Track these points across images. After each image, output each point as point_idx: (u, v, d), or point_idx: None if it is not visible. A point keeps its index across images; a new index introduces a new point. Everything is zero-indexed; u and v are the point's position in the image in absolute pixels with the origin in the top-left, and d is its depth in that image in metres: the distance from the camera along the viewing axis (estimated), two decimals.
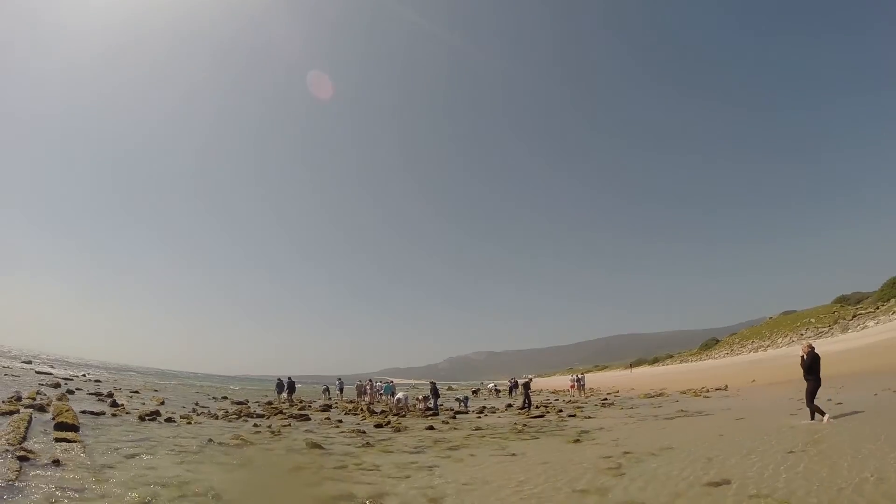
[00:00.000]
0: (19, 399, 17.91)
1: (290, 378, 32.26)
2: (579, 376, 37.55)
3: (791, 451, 8.65)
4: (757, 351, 41.05)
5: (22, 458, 8.84)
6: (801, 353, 10.72)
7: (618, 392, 31.20)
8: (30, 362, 47.72)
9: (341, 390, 38.76)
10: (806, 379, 10.58)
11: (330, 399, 37.19)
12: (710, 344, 67.31)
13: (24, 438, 10.68)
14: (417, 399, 30.09)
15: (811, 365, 10.45)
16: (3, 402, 16.46)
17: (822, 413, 10.30)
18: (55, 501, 6.86)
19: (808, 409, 10.60)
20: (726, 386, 16.81)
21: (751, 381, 18.30)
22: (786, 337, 41.90)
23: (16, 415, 13.72)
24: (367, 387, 37.16)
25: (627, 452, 10.60)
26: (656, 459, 9.62)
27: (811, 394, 10.47)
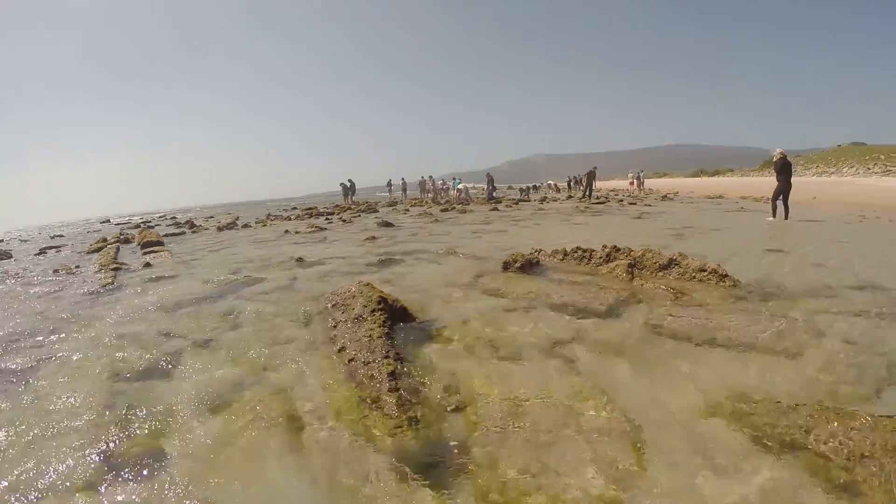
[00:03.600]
0: (104, 240, 19.38)
1: (350, 180, 33.07)
2: (640, 174, 36.46)
3: (812, 238, 9.36)
4: (821, 176, 37.90)
5: (115, 269, 9.66)
6: (775, 157, 12.61)
7: (677, 192, 30.17)
8: (107, 221, 51.17)
9: (404, 190, 39.53)
10: (777, 180, 12.54)
11: (394, 196, 38.24)
12: (772, 163, 62.74)
13: (115, 259, 11.55)
14: (479, 187, 30.46)
15: (781, 168, 12.39)
16: (90, 245, 17.84)
17: (774, 215, 12.43)
18: (151, 286, 7.41)
19: (771, 205, 12.67)
20: (815, 197, 16.04)
21: (812, 198, 17.37)
22: (852, 167, 38.34)
23: (103, 249, 14.89)
24: (430, 184, 37.60)
25: (689, 227, 11.82)
26: (717, 233, 10.69)
27: (777, 194, 12.39)
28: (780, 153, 12.61)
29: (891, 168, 33.97)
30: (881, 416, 2.65)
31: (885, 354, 3.59)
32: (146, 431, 3.06)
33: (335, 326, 4.57)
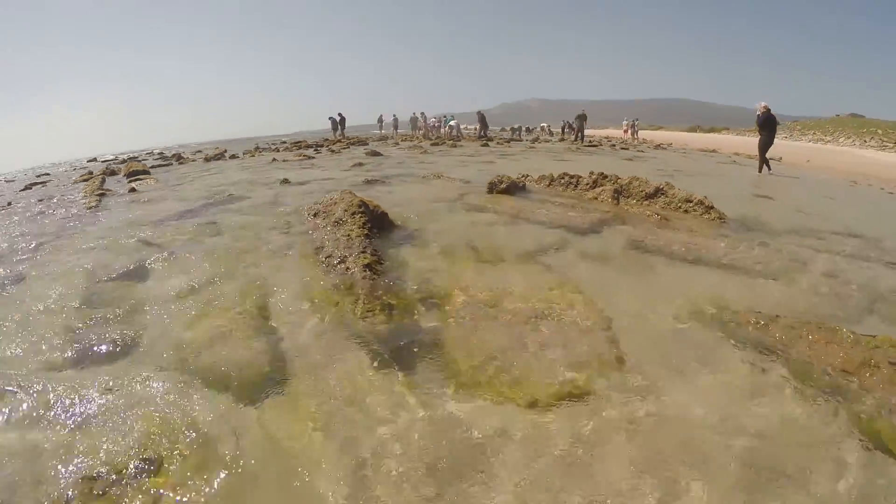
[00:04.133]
0: (90, 173, 19.06)
1: (340, 114, 32.33)
2: (634, 122, 35.68)
3: (801, 191, 9.17)
4: (816, 143, 37.28)
5: (101, 195, 9.54)
6: (759, 111, 12.40)
7: (671, 143, 29.77)
8: (94, 160, 49.90)
9: (396, 127, 38.80)
10: (759, 133, 12.57)
11: (385, 133, 37.60)
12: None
13: (101, 187, 11.37)
14: (470, 128, 29.87)
15: (764, 122, 12.31)
16: (76, 178, 17.55)
17: (769, 167, 12.56)
18: (136, 206, 7.38)
19: (759, 160, 12.74)
20: (780, 158, 15.78)
21: (806, 161, 17.13)
22: (849, 139, 37.63)
23: (89, 180, 14.67)
24: (422, 121, 36.86)
25: (679, 171, 12.02)
26: (706, 178, 10.90)
27: (762, 147, 12.45)
28: (764, 107, 12.44)
29: (887, 143, 33.73)
30: (862, 335, 2.67)
31: (867, 288, 3.61)
32: (119, 317, 3.12)
33: (315, 230, 4.60)
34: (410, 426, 2.05)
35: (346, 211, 4.54)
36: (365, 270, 3.39)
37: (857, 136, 36.57)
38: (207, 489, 1.75)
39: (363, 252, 3.68)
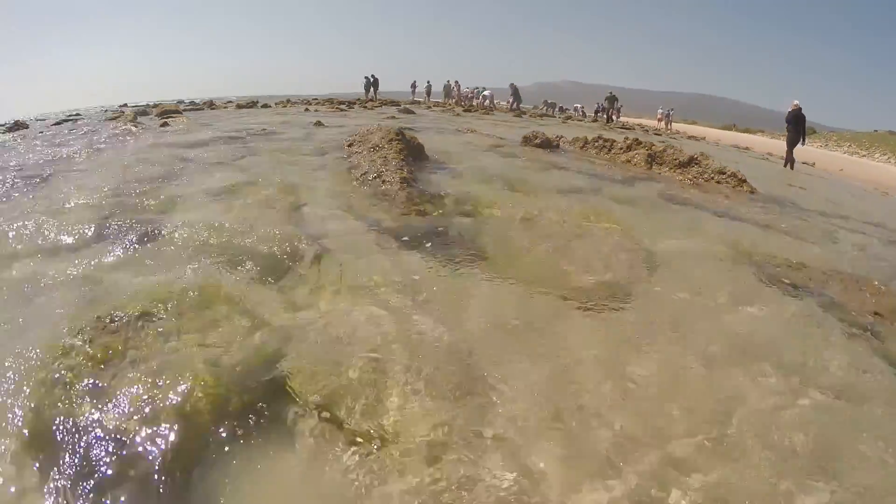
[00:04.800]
0: (122, 112, 19.24)
1: (373, 75, 32.09)
2: (669, 111, 34.68)
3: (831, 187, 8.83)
4: (851, 155, 35.86)
5: (135, 125, 9.67)
6: (791, 108, 12.53)
7: (704, 137, 29.03)
8: (125, 105, 50.17)
9: (429, 93, 38.41)
10: (787, 130, 12.70)
11: (417, 99, 37.28)
12: (807, 132, 58.88)
13: (134, 121, 11.50)
14: (503, 104, 29.37)
15: (793, 119, 12.35)
16: (107, 118, 17.75)
17: (792, 165, 12.40)
18: (170, 134, 7.47)
19: (786, 154, 12.76)
20: (814, 164, 15.31)
21: (839, 170, 16.60)
22: (884, 155, 36.20)
23: (121, 116, 14.87)
24: (455, 89, 36.42)
25: (710, 156, 11.44)
26: (739, 166, 10.67)
27: (790, 142, 12.51)
28: (795, 104, 12.55)
29: None
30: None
31: (891, 262, 3.51)
32: (151, 206, 3.15)
33: (350, 156, 4.61)
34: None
35: (383, 138, 4.54)
36: (402, 183, 3.39)
37: (894, 154, 35.41)
38: None
39: (400, 169, 3.68)
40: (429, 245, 2.57)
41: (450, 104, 30.92)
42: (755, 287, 2.48)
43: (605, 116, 28.24)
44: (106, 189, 3.53)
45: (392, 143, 4.42)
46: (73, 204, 3.27)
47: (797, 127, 12.41)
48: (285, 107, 18.35)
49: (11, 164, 4.83)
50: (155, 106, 23.50)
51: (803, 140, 12.61)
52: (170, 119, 12.23)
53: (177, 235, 2.62)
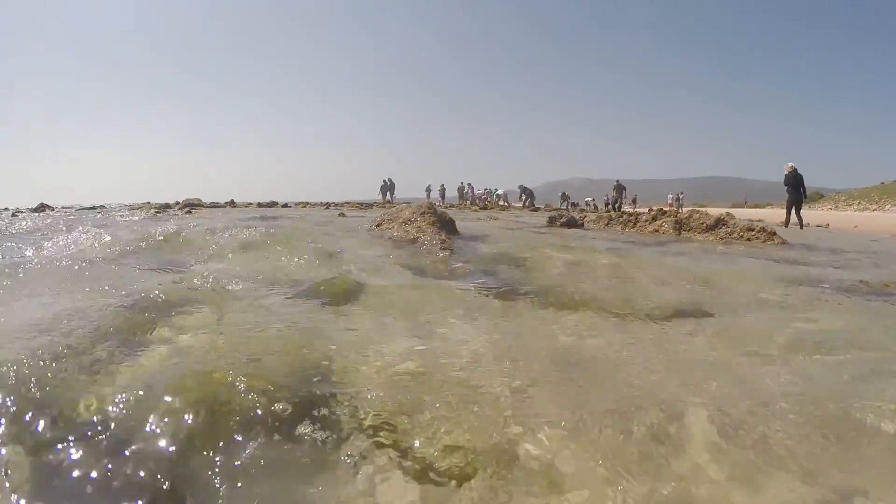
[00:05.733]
0: (145, 205, 20.11)
1: (390, 179, 33.34)
2: (679, 195, 35.86)
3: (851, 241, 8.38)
4: (863, 212, 36.43)
5: (156, 213, 10.04)
6: (786, 171, 12.98)
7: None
8: (148, 202, 52.35)
9: (443, 196, 39.55)
10: (787, 192, 13.09)
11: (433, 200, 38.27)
12: (814, 198, 60.78)
13: (157, 212, 11.96)
14: (517, 205, 30.30)
15: (792, 180, 12.86)
16: (129, 209, 18.53)
17: (787, 224, 12.61)
18: (195, 220, 7.64)
19: (785, 216, 13.17)
20: (828, 225, 15.74)
21: (853, 227, 16.98)
22: (895, 205, 37.03)
23: (143, 208, 15.53)
24: (469, 191, 37.49)
25: None
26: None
27: (790, 205, 12.96)
28: (791, 167, 12.96)
29: None
30: None
31: None
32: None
33: (382, 232, 4.60)
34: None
35: (414, 213, 4.56)
36: (441, 244, 3.34)
37: None
38: None
39: (437, 234, 3.66)
40: (482, 281, 2.48)
41: (465, 205, 31.71)
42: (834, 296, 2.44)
43: (615, 206, 28.68)
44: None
45: (425, 216, 4.43)
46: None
47: (796, 188, 12.78)
48: (304, 207, 18.92)
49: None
50: (176, 203, 24.31)
51: (804, 196, 13.00)
52: (194, 209, 12.61)
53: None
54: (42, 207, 15.79)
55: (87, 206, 21.14)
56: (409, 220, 4.44)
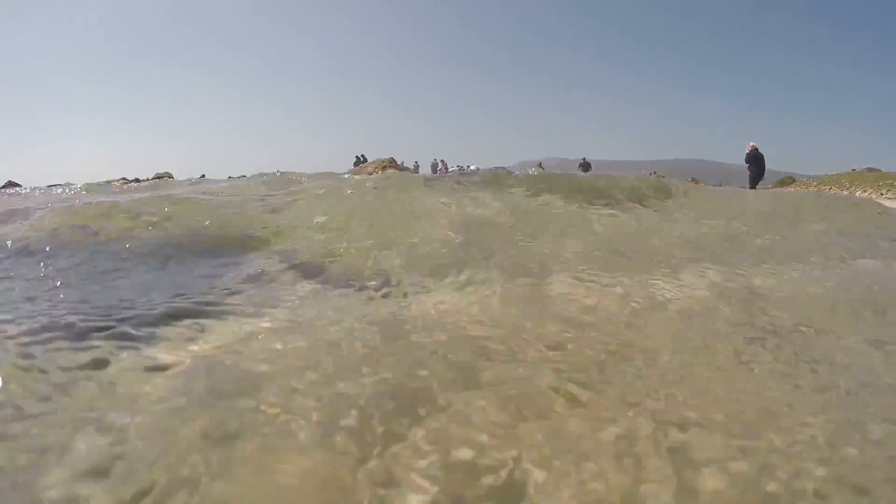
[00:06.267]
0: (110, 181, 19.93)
1: (363, 155, 33.28)
2: (651, 173, 36.25)
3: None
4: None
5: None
6: (748, 149, 13.83)
7: None
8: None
9: (416, 170, 39.49)
10: (749, 170, 13.95)
11: None
12: (785, 181, 61.76)
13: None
14: None
15: (751, 159, 13.75)
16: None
17: None
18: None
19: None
20: None
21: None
22: (865, 192, 38.06)
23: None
24: (442, 166, 37.46)
25: None
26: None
27: (752, 180, 13.81)
28: (752, 146, 13.90)
29: None
30: None
31: None
32: None
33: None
34: None
35: (377, 168, 4.83)
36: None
37: (874, 189, 36.14)
38: None
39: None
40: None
41: None
42: None
43: None
44: None
45: (386, 170, 4.75)
46: None
47: (756, 165, 13.79)
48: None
49: None
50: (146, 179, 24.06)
51: (762, 175, 14.02)
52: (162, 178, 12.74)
53: None
54: (9, 185, 15.76)
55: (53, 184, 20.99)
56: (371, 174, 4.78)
